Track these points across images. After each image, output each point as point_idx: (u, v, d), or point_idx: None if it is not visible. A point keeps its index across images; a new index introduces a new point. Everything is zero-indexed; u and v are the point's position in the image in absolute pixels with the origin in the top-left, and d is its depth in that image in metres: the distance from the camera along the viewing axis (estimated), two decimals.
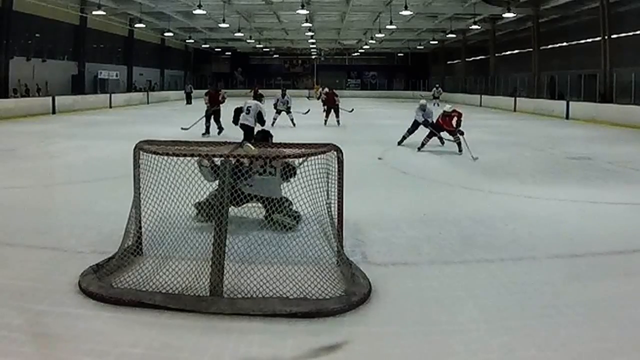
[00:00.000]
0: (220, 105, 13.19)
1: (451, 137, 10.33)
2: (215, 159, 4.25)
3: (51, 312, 3.07)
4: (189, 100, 30.34)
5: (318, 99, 25.56)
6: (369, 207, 5.47)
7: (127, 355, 2.64)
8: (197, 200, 4.16)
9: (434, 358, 2.69)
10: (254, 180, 4.66)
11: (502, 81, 30.41)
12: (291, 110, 15.84)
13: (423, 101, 11.28)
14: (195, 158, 3.89)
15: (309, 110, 17.94)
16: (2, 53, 20.04)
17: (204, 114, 13.18)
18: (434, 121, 10.65)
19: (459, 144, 10.08)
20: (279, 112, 15.67)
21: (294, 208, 4.53)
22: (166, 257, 3.69)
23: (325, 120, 16.38)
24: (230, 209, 3.61)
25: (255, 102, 10.55)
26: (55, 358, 2.64)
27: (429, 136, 10.47)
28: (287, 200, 4.63)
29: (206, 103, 13.26)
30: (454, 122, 10.24)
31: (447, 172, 8.09)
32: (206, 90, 14.37)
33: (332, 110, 16.36)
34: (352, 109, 19.52)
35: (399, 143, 11.12)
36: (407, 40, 38.25)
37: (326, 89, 18.07)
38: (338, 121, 16.17)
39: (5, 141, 11.15)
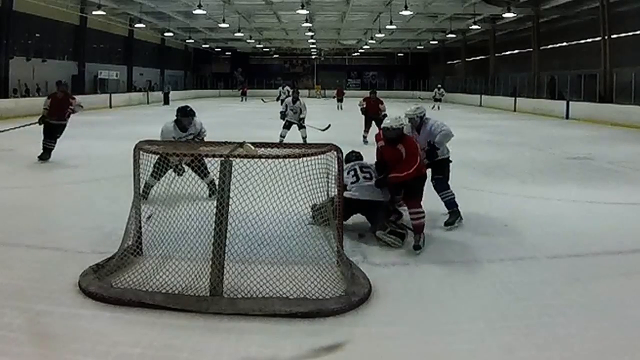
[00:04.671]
0: (68, 118, 8.73)
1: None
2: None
3: (51, 312, 3.07)
4: (166, 100, 30.45)
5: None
6: None
7: (127, 355, 2.64)
8: (313, 203, 4.07)
9: (434, 358, 2.69)
10: (359, 185, 4.74)
11: (502, 81, 30.40)
12: (305, 123, 10.96)
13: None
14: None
15: (329, 126, 12.65)
16: (2, 53, 20.07)
17: (37, 121, 8.50)
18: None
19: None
20: (287, 125, 10.81)
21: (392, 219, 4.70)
22: (166, 257, 3.69)
23: (365, 137, 11.54)
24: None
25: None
26: (55, 358, 2.64)
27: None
28: (393, 212, 4.85)
29: (45, 108, 8.41)
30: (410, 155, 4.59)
31: None
32: (50, 93, 9.10)
33: (374, 123, 11.48)
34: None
35: None
36: (407, 40, 38.28)
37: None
38: None
39: (5, 141, 11.14)
